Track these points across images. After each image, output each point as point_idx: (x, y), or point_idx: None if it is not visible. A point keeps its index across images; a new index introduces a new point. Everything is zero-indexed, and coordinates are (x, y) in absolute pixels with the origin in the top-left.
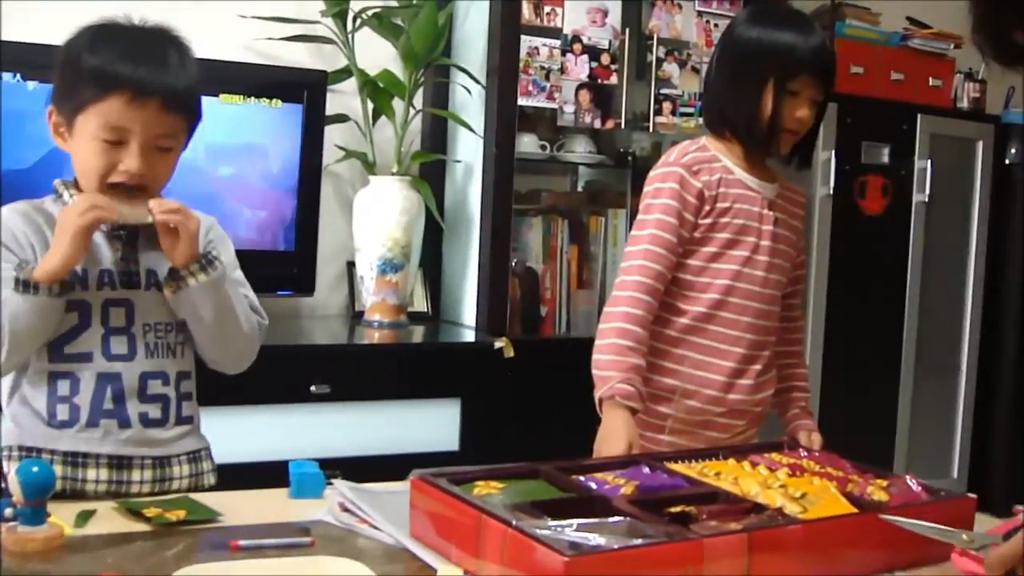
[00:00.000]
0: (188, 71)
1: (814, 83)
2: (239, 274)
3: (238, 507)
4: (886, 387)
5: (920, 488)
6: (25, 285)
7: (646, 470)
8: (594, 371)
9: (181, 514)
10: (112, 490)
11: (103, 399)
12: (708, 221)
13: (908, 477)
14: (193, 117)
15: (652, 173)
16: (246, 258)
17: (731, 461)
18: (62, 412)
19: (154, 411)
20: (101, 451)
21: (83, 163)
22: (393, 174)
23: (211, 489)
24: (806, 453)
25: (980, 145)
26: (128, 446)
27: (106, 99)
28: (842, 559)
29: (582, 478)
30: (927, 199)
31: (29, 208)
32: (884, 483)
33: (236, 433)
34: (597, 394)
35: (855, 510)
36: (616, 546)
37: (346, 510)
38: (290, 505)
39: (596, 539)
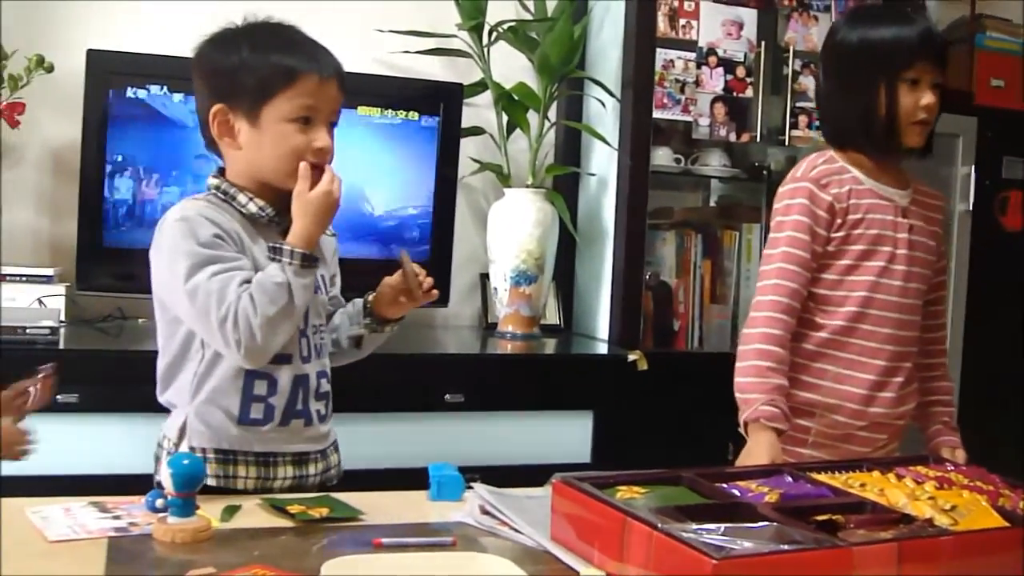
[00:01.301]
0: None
1: (931, 67)
2: None
3: (379, 507)
4: None
5: None
6: (304, 259)
7: (789, 479)
8: (737, 394)
9: (324, 511)
10: (295, 485)
11: (296, 399)
12: (841, 234)
13: None
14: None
15: (781, 189)
16: (380, 269)
17: (876, 473)
18: (256, 411)
19: (323, 408)
20: (288, 450)
21: (277, 147)
22: (527, 186)
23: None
24: (953, 467)
25: None
26: (308, 443)
27: (296, 84)
28: (994, 572)
29: (725, 485)
30: None
31: (210, 205)
32: None
33: (373, 439)
34: (742, 417)
35: (1007, 524)
36: (765, 550)
37: (486, 513)
38: (429, 507)
39: (743, 543)
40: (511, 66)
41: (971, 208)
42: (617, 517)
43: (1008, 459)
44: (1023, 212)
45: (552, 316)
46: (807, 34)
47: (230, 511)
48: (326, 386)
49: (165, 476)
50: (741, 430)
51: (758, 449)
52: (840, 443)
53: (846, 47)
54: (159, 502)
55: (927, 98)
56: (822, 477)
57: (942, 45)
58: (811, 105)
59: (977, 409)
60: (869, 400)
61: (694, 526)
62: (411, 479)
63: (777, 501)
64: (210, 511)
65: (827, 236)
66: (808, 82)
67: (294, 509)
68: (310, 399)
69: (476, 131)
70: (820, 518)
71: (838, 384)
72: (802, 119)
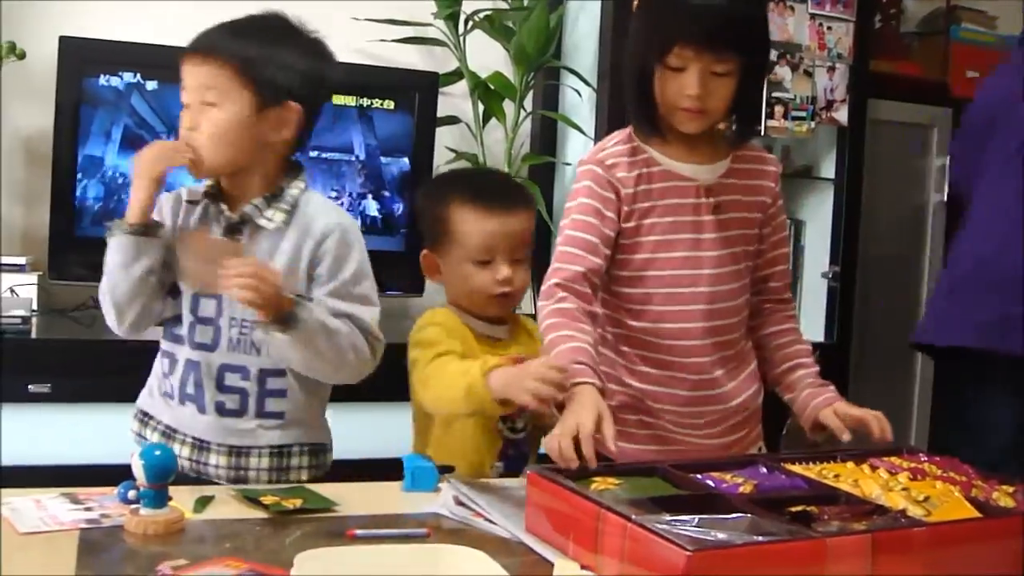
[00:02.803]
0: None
1: (698, 53)
2: (360, 289)
3: (353, 498)
4: None
5: None
6: (119, 227)
7: (764, 470)
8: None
9: (298, 503)
10: (193, 468)
11: (188, 383)
12: (631, 224)
13: None
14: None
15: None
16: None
17: (850, 464)
18: (164, 386)
19: (231, 402)
20: (187, 431)
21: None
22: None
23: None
24: (927, 457)
25: None
26: (207, 432)
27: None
28: (968, 563)
29: (699, 476)
30: None
31: None
32: (1010, 489)
33: (351, 429)
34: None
35: (980, 514)
36: (739, 542)
37: (461, 504)
38: (404, 499)
39: (717, 535)
40: (487, 55)
41: (945, 199)
42: (591, 509)
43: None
44: None
45: (528, 305)
46: (783, 25)
47: (203, 502)
48: (241, 383)
49: (137, 467)
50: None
51: (580, 404)
52: (683, 439)
53: (633, 19)
54: (131, 493)
55: (691, 87)
56: (796, 468)
57: (720, 27)
58: (787, 96)
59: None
60: (696, 401)
61: (668, 517)
62: (387, 469)
63: (751, 492)
64: (183, 502)
65: (616, 221)
66: (784, 72)
67: (267, 500)
68: (207, 387)
69: (452, 120)
70: (794, 509)
71: (660, 387)
72: (778, 109)
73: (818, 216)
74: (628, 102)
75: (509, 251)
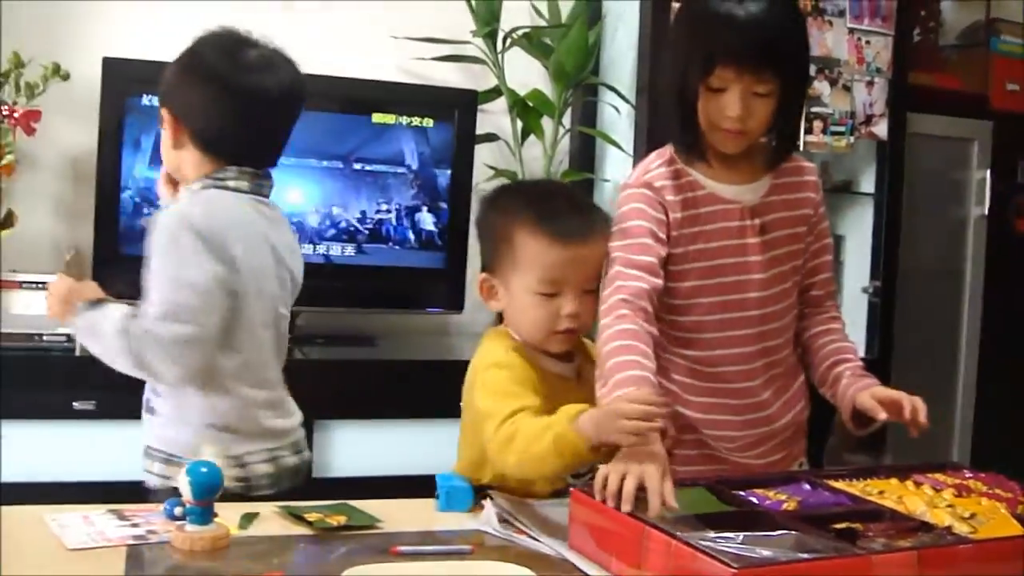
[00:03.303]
0: None
1: (738, 75)
2: (156, 296)
3: (395, 515)
4: None
5: None
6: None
7: (807, 487)
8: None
9: (342, 519)
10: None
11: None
12: (679, 251)
13: None
14: None
15: (620, 195)
16: (398, 274)
17: (894, 480)
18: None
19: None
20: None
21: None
22: None
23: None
24: (971, 474)
25: None
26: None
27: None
28: None
29: (743, 493)
30: None
31: None
32: None
33: (388, 445)
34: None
35: None
36: (784, 559)
37: (504, 521)
38: (446, 515)
39: (762, 552)
40: (525, 72)
41: (986, 213)
42: (636, 526)
43: (1020, 441)
44: None
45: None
46: (821, 39)
47: (248, 518)
48: (147, 392)
49: (183, 484)
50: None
51: (648, 451)
52: (733, 460)
53: (671, 37)
54: (177, 510)
55: (732, 108)
56: (840, 484)
57: (760, 48)
58: (826, 110)
59: (995, 413)
60: (746, 424)
61: (712, 534)
62: (417, 486)
63: (795, 509)
64: (229, 518)
65: (667, 245)
66: (822, 87)
67: (312, 517)
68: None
69: (491, 137)
70: (839, 526)
71: (712, 414)
72: (816, 124)
73: (858, 231)
74: (670, 124)
75: (579, 283)
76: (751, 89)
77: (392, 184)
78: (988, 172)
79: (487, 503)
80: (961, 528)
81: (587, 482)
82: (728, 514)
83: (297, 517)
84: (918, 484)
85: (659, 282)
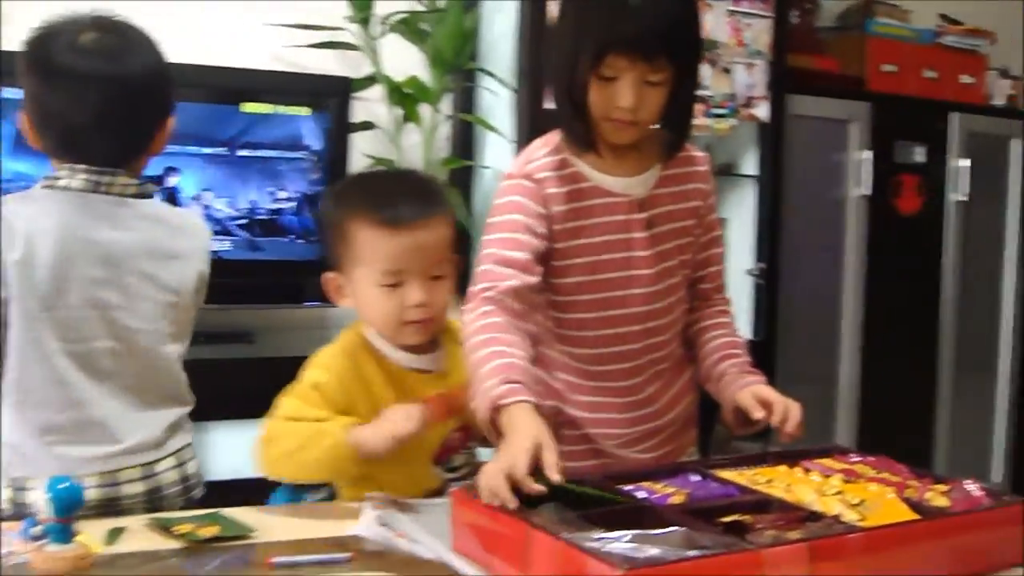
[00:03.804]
0: None
1: (631, 63)
2: None
3: (270, 522)
4: (924, 388)
5: (982, 492)
6: None
7: (695, 478)
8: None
9: (214, 531)
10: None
11: None
12: (560, 246)
13: (968, 481)
14: None
15: (500, 184)
16: (271, 268)
17: (782, 467)
18: None
19: None
20: None
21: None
22: None
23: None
24: (859, 458)
25: (1015, 143)
26: None
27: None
28: (906, 567)
29: (631, 487)
30: (963, 198)
31: None
32: (944, 488)
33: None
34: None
35: (916, 516)
36: (673, 558)
37: (384, 524)
38: (325, 521)
39: (651, 551)
40: (403, 59)
41: (866, 192)
42: (519, 527)
43: (907, 439)
44: (917, 195)
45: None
46: (701, 21)
47: (114, 534)
48: None
49: (42, 501)
50: (488, 434)
51: (517, 434)
52: (621, 456)
53: (558, 21)
54: (35, 529)
55: (624, 98)
56: (728, 474)
57: (660, 32)
58: (707, 93)
59: (878, 391)
60: (632, 421)
61: (599, 534)
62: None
63: (683, 502)
64: (95, 534)
65: (548, 239)
66: (703, 70)
67: (181, 529)
68: None
69: (367, 126)
70: (727, 519)
71: (597, 412)
72: (697, 107)
73: (741, 213)
74: (558, 114)
75: (422, 270)
76: (644, 78)
77: (286, 172)
78: (867, 153)
79: (366, 506)
80: (850, 516)
81: (467, 482)
82: (614, 511)
83: (166, 530)
84: (807, 471)
85: (532, 279)
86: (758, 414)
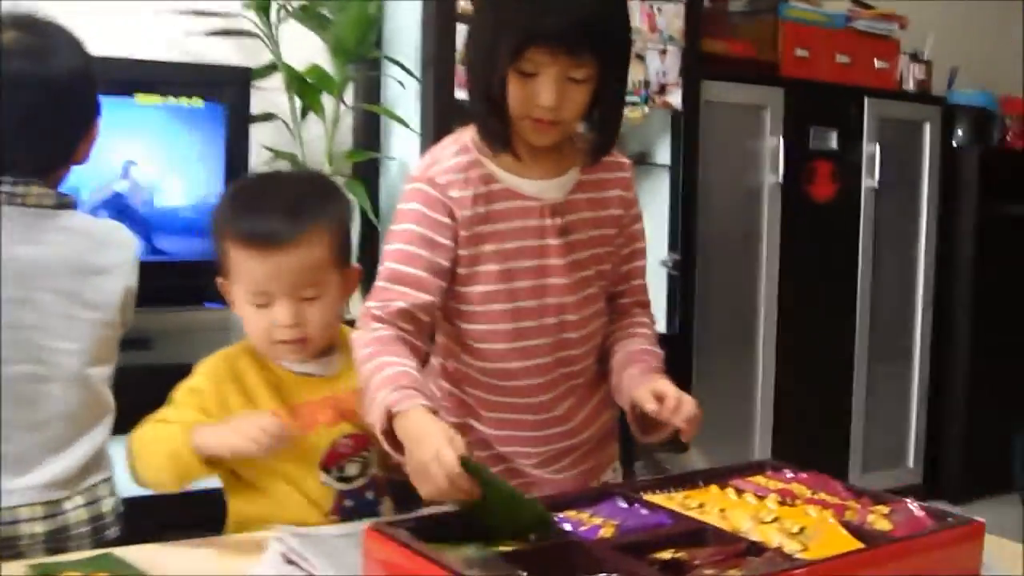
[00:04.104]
0: None
1: (553, 57)
2: None
3: (166, 562)
4: (840, 375)
5: (923, 513)
6: None
7: (622, 504)
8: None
9: None
10: None
11: None
12: (466, 252)
13: (909, 501)
14: None
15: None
16: (170, 270)
17: (713, 488)
18: None
19: None
20: None
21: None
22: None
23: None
24: (792, 475)
25: (927, 127)
26: None
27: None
28: None
29: (555, 517)
30: (876, 184)
31: None
32: (885, 509)
33: None
34: (379, 425)
35: (860, 544)
36: None
37: (291, 562)
38: (226, 556)
39: None
40: (303, 47)
41: (780, 180)
42: (436, 572)
43: (823, 427)
44: (831, 181)
45: (355, 308)
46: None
47: None
48: None
49: None
50: (386, 446)
51: (426, 433)
52: (537, 476)
53: (474, 12)
54: None
55: (545, 96)
56: (657, 498)
57: (584, 25)
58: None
59: (791, 379)
60: (545, 440)
61: None
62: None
63: (613, 536)
64: None
65: (452, 249)
66: None
67: None
68: None
69: (267, 117)
70: (663, 557)
71: (507, 430)
72: None
73: (654, 203)
74: (473, 111)
75: (291, 291)
76: (567, 74)
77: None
78: (780, 139)
79: (270, 539)
80: (791, 546)
81: (379, 520)
82: (539, 550)
83: None
84: (739, 492)
85: (426, 297)
86: (650, 406)
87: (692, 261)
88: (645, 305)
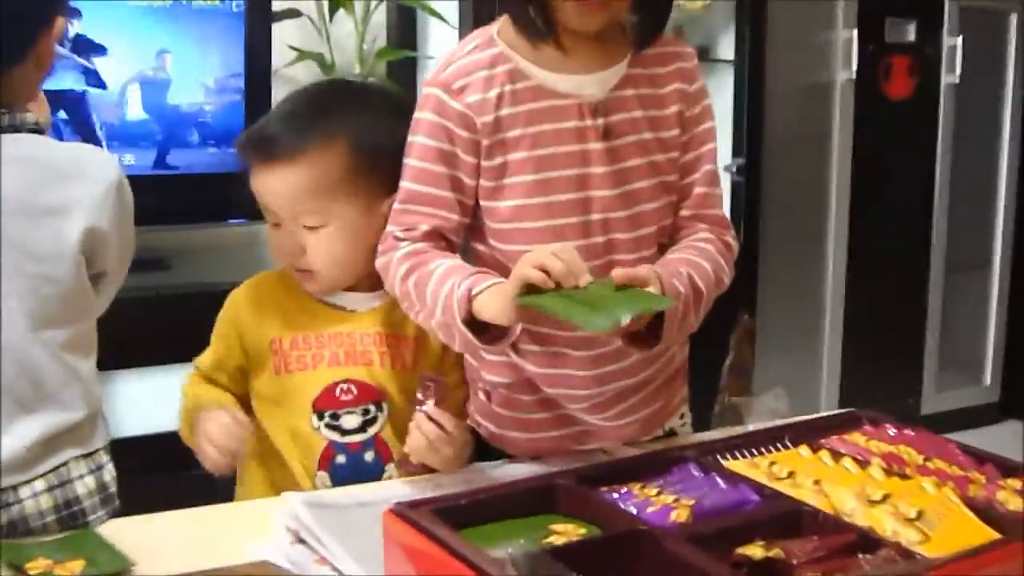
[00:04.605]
0: None
1: None
2: None
3: (156, 541)
4: (915, 284)
5: None
6: None
7: (696, 471)
8: (436, 321)
9: (77, 567)
10: None
11: None
12: (494, 163)
13: None
14: None
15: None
16: (187, 184)
17: (803, 450)
18: None
19: None
20: None
21: None
22: (355, 76)
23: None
24: (895, 432)
25: (1013, 19)
26: None
27: None
28: None
29: (614, 495)
30: (957, 80)
31: None
32: (1017, 484)
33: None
34: (460, 319)
35: (993, 533)
36: None
37: (301, 541)
38: (222, 539)
39: None
40: None
41: (853, 76)
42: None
43: (896, 337)
44: (908, 77)
45: None
46: None
47: None
48: None
49: None
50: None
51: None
52: (590, 422)
53: None
54: None
55: None
56: (739, 465)
57: None
58: None
59: (863, 287)
60: (598, 380)
61: None
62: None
63: (688, 520)
64: None
65: (476, 163)
66: None
67: (36, 568)
68: None
69: (292, 14)
70: (753, 554)
71: (552, 368)
72: None
73: (715, 103)
74: None
75: (289, 214)
76: None
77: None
78: (854, 32)
79: (277, 510)
80: (908, 535)
81: (401, 501)
82: (597, 541)
83: (16, 568)
84: (836, 456)
85: (455, 217)
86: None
87: (758, 166)
88: (714, 221)
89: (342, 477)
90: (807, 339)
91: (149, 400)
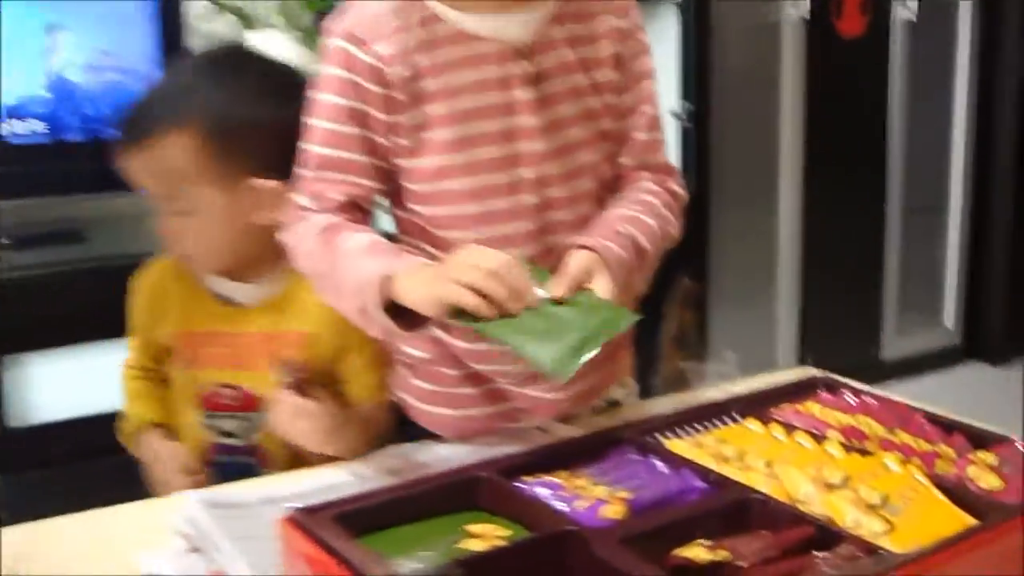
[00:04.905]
0: None
1: None
2: None
3: (43, 549)
4: (871, 229)
5: None
6: None
7: (635, 455)
8: (350, 306)
9: None
10: None
11: None
12: (403, 118)
13: (1018, 442)
14: None
15: None
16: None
17: (752, 423)
18: None
19: None
20: None
21: None
22: (277, 29)
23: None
24: (855, 400)
25: None
26: None
27: None
28: None
29: (544, 491)
30: (913, 17)
31: None
32: (990, 458)
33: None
34: (376, 301)
35: (968, 518)
36: None
37: (196, 550)
38: (116, 540)
39: None
40: None
41: (805, 14)
42: None
43: (854, 284)
44: (861, 14)
45: None
46: None
47: None
48: None
49: None
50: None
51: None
52: (521, 394)
53: None
54: None
55: None
56: (682, 445)
57: None
58: None
59: (819, 233)
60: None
61: None
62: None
63: (624, 516)
64: None
65: (387, 121)
66: None
67: None
68: None
69: None
70: (694, 554)
71: (479, 341)
72: None
73: (660, 46)
74: None
75: (157, 198)
76: None
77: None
78: None
79: (177, 512)
80: (872, 526)
81: (297, 505)
82: (514, 549)
83: None
84: (789, 429)
85: (368, 183)
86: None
87: (706, 110)
88: (658, 168)
89: (224, 476)
90: (763, 289)
91: (71, 383)
